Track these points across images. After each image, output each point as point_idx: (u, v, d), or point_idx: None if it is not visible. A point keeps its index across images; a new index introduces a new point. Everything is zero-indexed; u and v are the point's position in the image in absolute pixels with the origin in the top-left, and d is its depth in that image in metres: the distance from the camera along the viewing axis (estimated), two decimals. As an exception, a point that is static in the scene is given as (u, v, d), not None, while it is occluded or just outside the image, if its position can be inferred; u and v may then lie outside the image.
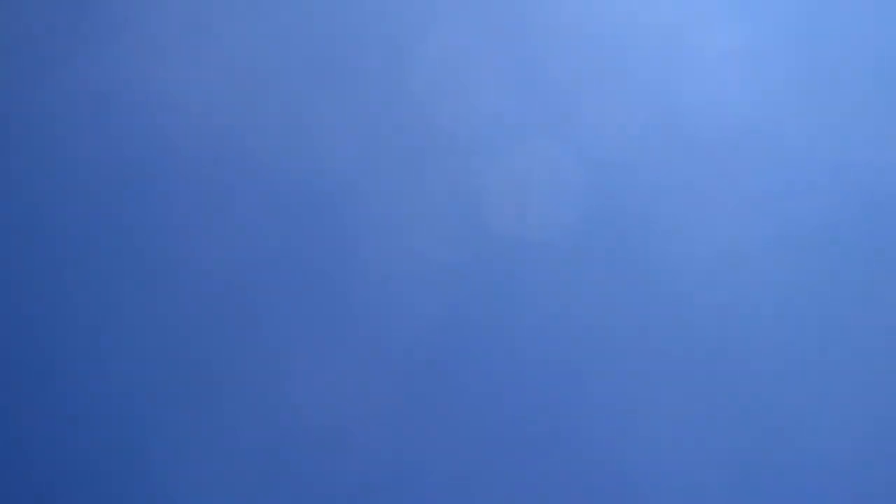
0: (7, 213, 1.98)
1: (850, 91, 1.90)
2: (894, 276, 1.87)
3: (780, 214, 1.89)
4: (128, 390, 1.94)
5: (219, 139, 1.97)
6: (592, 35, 1.94)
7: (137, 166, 1.97)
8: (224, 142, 1.97)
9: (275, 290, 1.94)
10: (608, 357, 1.89)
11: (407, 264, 1.93)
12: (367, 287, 1.93)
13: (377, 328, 1.92)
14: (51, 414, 1.94)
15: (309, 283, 1.94)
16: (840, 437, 1.85)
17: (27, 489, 1.93)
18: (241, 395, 1.92)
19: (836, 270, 1.88)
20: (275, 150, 1.96)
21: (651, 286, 1.90)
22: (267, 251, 1.94)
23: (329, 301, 1.93)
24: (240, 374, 1.93)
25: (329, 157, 1.96)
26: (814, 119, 1.91)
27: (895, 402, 1.85)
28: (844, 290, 1.87)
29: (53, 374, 1.95)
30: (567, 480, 1.88)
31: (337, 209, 1.95)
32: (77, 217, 1.97)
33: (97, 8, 1.99)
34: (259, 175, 1.96)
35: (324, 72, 1.97)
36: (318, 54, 1.97)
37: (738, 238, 1.90)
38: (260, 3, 1.98)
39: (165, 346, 1.94)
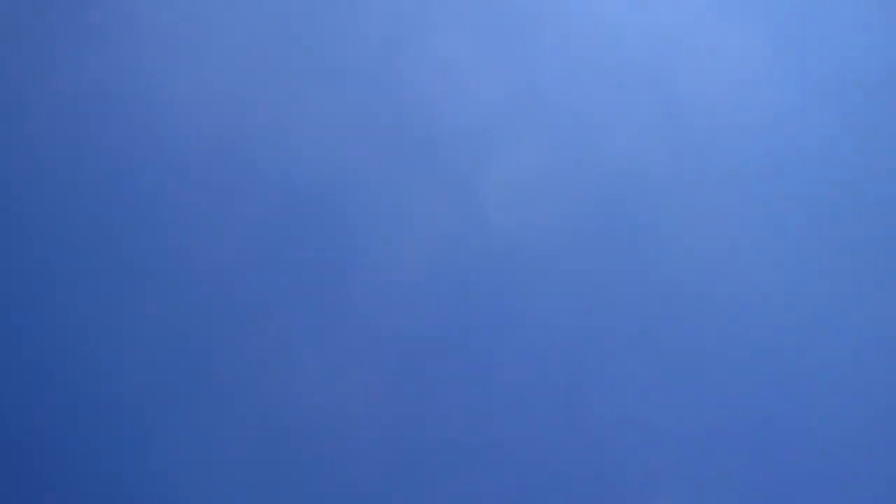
0: (6, 214, 1.98)
1: (853, 90, 1.90)
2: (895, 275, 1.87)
3: (782, 214, 1.89)
4: (126, 389, 1.94)
5: (217, 138, 1.97)
6: (593, 34, 1.94)
7: (136, 166, 1.97)
8: (222, 141, 1.97)
9: (274, 288, 1.94)
10: (609, 355, 1.89)
11: (407, 264, 1.93)
12: (367, 286, 1.93)
13: (376, 327, 1.92)
14: (51, 414, 1.94)
15: (307, 282, 1.94)
16: (843, 438, 1.86)
17: (27, 489, 1.93)
18: (240, 395, 1.92)
19: (838, 270, 1.88)
20: (272, 150, 1.96)
21: (652, 286, 1.90)
22: (265, 250, 1.94)
23: (327, 299, 1.93)
24: (238, 374, 1.93)
25: (328, 156, 1.96)
26: (816, 119, 1.91)
27: (894, 401, 1.85)
28: (848, 291, 1.87)
29: (54, 375, 1.95)
30: (568, 480, 1.88)
31: (335, 208, 1.95)
32: (75, 217, 1.97)
33: (94, 7, 1.99)
34: (257, 174, 1.96)
35: (322, 71, 1.97)
36: (317, 54, 1.97)
37: (739, 238, 1.90)
38: (258, 3, 1.98)
39: (162, 344, 1.94)
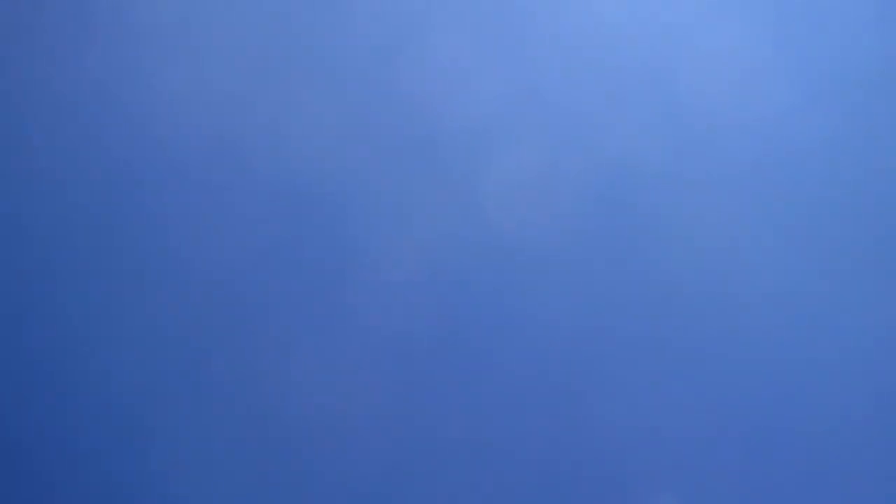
0: (5, 214, 1.98)
1: (853, 90, 1.90)
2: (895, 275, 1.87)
3: (783, 213, 1.89)
4: (126, 389, 1.94)
5: (217, 138, 1.97)
6: (593, 34, 1.94)
7: (136, 166, 1.97)
8: (222, 141, 1.97)
9: (273, 288, 1.94)
10: (610, 354, 1.89)
11: (407, 264, 1.93)
12: (367, 286, 1.93)
13: (376, 327, 1.92)
14: (51, 414, 1.94)
15: (307, 282, 1.94)
16: (844, 438, 1.86)
17: (27, 489, 1.93)
18: (239, 395, 1.92)
19: (839, 269, 1.88)
20: (272, 150, 1.96)
21: (652, 286, 1.90)
22: (265, 250, 1.95)
23: (327, 299, 1.93)
24: (238, 374, 1.93)
25: (328, 156, 1.96)
26: (816, 118, 1.91)
27: (894, 401, 1.85)
28: (849, 290, 1.87)
29: (54, 375, 1.95)
30: (569, 479, 1.88)
31: (335, 208, 1.95)
32: (74, 217, 1.97)
33: (93, 7, 2.00)
34: (257, 174, 1.96)
35: (322, 71, 1.97)
36: (316, 54, 1.97)
37: (739, 237, 1.90)
38: (258, 3, 1.98)
39: (161, 344, 1.94)
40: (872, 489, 1.84)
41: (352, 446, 1.91)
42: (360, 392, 1.92)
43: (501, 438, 1.89)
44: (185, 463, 1.91)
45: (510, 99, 1.94)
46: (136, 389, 1.93)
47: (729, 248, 1.89)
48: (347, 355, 1.92)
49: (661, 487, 1.87)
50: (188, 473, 1.91)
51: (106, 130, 1.98)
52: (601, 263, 1.91)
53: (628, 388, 1.89)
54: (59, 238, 1.97)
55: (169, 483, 1.91)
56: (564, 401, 1.89)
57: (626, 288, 1.90)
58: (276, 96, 1.97)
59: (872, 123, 1.89)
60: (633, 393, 1.88)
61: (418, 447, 1.90)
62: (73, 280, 1.96)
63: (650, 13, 1.93)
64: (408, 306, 1.92)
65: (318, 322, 1.92)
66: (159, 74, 1.98)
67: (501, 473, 1.89)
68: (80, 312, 1.95)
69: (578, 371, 1.89)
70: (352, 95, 1.96)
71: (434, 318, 1.92)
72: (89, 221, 1.97)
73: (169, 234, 1.95)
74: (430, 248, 1.93)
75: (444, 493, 1.89)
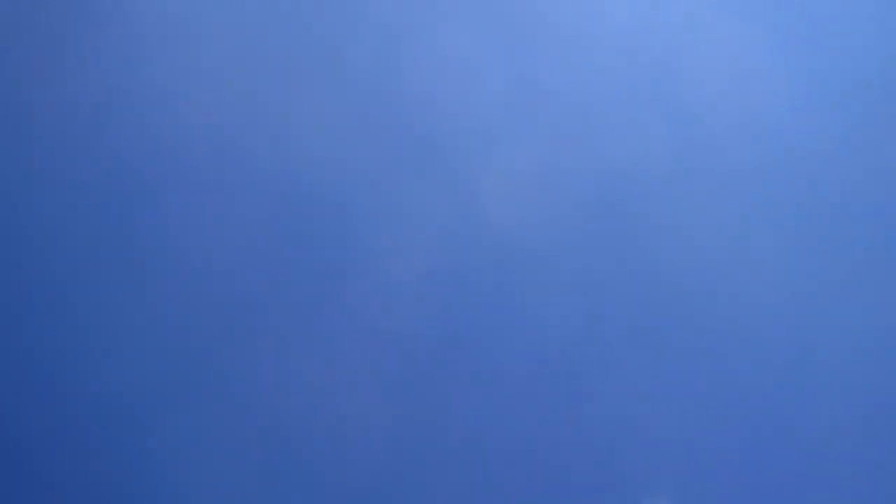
0: (5, 213, 1.98)
1: (855, 89, 1.90)
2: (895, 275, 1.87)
3: (783, 211, 1.89)
4: (126, 389, 1.94)
5: (216, 137, 1.97)
6: (594, 32, 1.94)
7: (136, 166, 1.97)
8: (222, 140, 1.97)
9: (274, 287, 1.94)
10: (609, 352, 1.89)
11: (406, 263, 1.93)
12: (366, 285, 1.93)
13: (376, 326, 1.92)
14: (51, 414, 1.94)
15: (307, 281, 1.94)
16: (843, 438, 1.85)
17: (27, 489, 1.93)
18: (239, 394, 1.92)
19: (839, 268, 1.88)
20: (272, 149, 1.96)
21: (652, 284, 1.90)
22: (265, 249, 1.95)
23: (327, 298, 1.93)
24: (238, 373, 1.93)
25: (328, 155, 1.96)
26: (818, 117, 1.91)
27: (894, 401, 1.85)
28: (849, 289, 1.87)
29: (54, 375, 1.95)
30: (568, 477, 1.88)
31: (335, 208, 1.95)
32: (75, 217, 1.97)
33: (94, 7, 2.00)
34: (257, 174, 1.96)
35: (322, 70, 1.97)
36: (317, 53, 1.97)
37: (739, 235, 1.90)
38: (259, 3, 1.98)
39: (161, 344, 1.94)
40: (872, 489, 1.84)
41: (352, 444, 1.91)
42: (360, 390, 1.92)
43: (501, 437, 1.89)
44: (185, 462, 1.91)
45: (511, 98, 1.94)
46: (136, 389, 1.93)
47: (729, 248, 1.89)
48: (348, 354, 1.92)
49: (661, 486, 1.87)
50: (188, 473, 1.91)
51: (108, 131, 1.98)
52: (601, 263, 1.91)
53: (628, 387, 1.89)
54: (60, 238, 1.97)
55: (169, 482, 1.91)
56: (564, 399, 1.89)
57: (625, 287, 1.90)
58: (277, 95, 1.97)
59: (873, 124, 1.89)
60: (632, 392, 1.88)
61: (418, 445, 1.90)
62: (73, 280, 1.96)
63: (652, 13, 1.93)
64: (408, 305, 1.92)
65: (319, 320, 1.92)
66: (160, 73, 1.98)
67: (501, 472, 1.89)
68: (80, 312, 1.95)
69: (578, 370, 1.89)
70: (353, 95, 1.96)
71: (434, 317, 1.92)
72: (90, 221, 1.97)
73: (170, 234, 1.95)
74: (430, 247, 1.93)
75: (444, 491, 1.89)
